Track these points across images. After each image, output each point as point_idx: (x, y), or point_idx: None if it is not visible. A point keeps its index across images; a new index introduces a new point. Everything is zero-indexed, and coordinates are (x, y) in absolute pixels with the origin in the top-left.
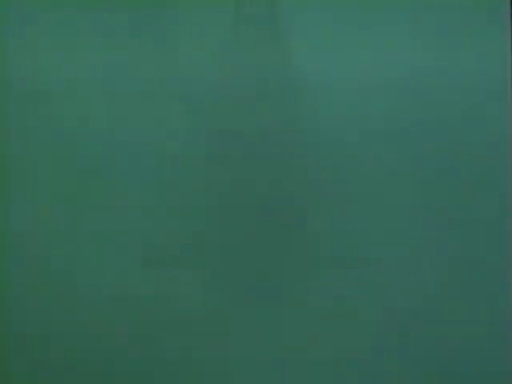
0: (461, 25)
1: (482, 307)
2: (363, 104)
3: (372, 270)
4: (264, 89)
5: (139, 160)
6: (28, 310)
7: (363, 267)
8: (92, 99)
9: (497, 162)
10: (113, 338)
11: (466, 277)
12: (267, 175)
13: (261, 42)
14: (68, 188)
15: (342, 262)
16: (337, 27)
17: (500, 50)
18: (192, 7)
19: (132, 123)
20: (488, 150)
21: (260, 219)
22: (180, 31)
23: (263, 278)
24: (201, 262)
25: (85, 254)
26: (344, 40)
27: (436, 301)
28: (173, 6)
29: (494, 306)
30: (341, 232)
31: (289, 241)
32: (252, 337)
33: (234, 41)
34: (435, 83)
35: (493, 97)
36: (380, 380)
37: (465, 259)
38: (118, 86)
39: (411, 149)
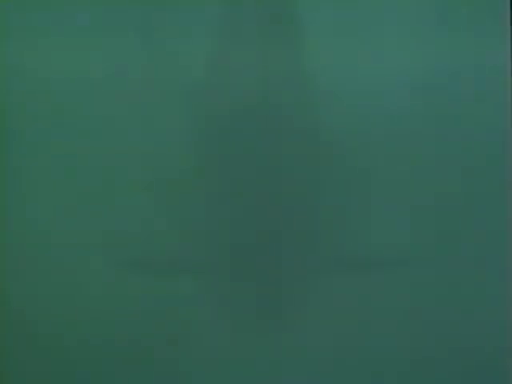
0: (461, 25)
1: (495, 307)
2: (364, 105)
3: (383, 272)
4: (266, 88)
5: (139, 160)
6: (27, 310)
7: (374, 269)
8: (91, 99)
9: (497, 161)
10: (112, 342)
11: (478, 277)
12: (270, 176)
13: (264, 41)
14: (66, 188)
15: (352, 264)
16: (337, 27)
17: (500, 49)
18: (193, 6)
19: (131, 123)
20: (488, 150)
21: (265, 221)
22: (181, 30)
23: (267, 281)
24: (201, 267)
25: (82, 257)
26: (344, 40)
27: (447, 301)
28: (173, 4)
29: (503, 303)
30: (351, 233)
31: (296, 244)
32: (258, 345)
33: (237, 40)
34: (434, 83)
35: (493, 97)
36: (393, 381)
37: (476, 259)
38: (117, 85)
39: (413, 148)
